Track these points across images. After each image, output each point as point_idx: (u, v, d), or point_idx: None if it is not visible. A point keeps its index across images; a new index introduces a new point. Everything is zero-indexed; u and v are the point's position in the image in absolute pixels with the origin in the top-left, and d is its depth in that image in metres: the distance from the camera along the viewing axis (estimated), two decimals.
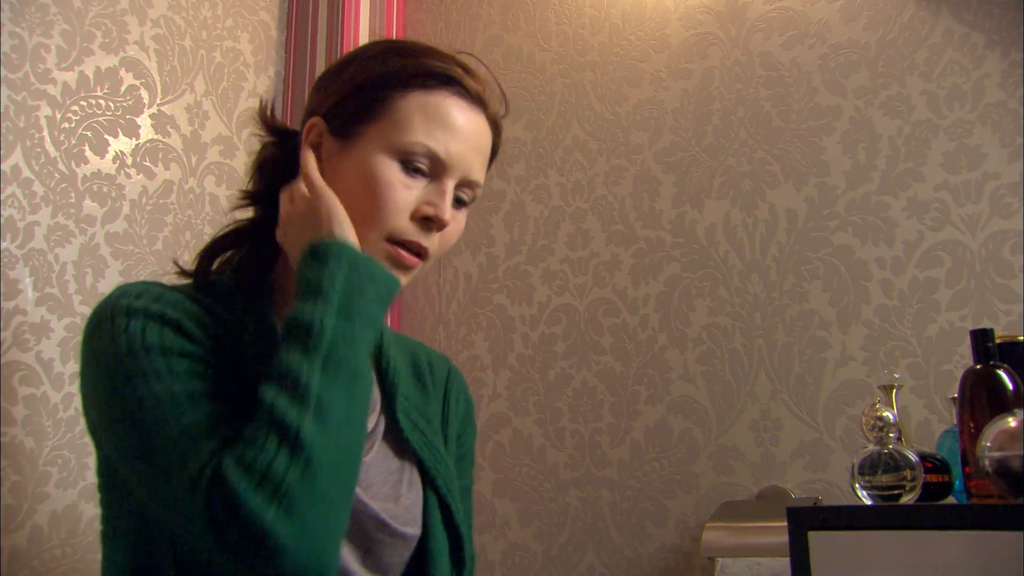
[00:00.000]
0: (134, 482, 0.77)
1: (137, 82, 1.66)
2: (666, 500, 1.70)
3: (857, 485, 1.13)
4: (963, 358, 1.48)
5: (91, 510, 1.45)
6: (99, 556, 1.47)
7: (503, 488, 1.86)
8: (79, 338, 1.46)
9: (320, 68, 1.94)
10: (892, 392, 1.28)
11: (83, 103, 1.56)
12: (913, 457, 1.11)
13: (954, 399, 1.20)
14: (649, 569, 1.69)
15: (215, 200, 1.78)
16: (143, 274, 1.60)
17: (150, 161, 1.66)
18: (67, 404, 1.45)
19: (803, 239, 1.68)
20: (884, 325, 1.58)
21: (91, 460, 1.47)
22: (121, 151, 1.61)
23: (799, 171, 1.70)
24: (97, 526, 1.44)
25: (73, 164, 1.52)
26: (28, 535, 1.36)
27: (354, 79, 0.88)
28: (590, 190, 1.91)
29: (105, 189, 1.57)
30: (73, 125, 1.53)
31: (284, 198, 0.87)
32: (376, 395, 0.94)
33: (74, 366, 1.47)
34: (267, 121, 0.95)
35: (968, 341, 1.19)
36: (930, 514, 1.05)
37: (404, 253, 0.85)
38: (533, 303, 1.93)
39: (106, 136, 1.59)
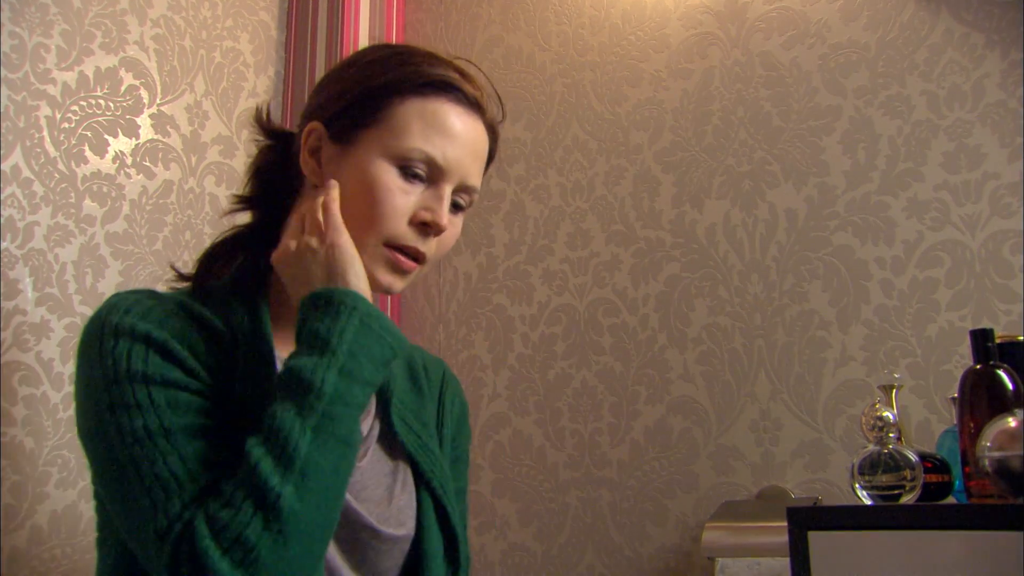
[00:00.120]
0: (110, 510, 0.78)
1: (137, 82, 1.66)
2: (666, 500, 1.70)
3: (857, 485, 1.13)
4: (963, 358, 1.48)
5: (90, 510, 1.45)
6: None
7: (503, 488, 1.86)
8: (79, 338, 1.47)
9: (320, 68, 1.94)
10: (892, 392, 1.28)
11: (83, 103, 1.56)
12: (913, 457, 1.11)
13: (954, 399, 1.20)
14: (649, 569, 1.69)
15: (215, 200, 1.78)
16: (143, 274, 1.61)
17: (150, 161, 1.66)
18: (67, 404, 1.45)
19: (803, 239, 1.68)
20: (884, 325, 1.58)
21: None
22: (121, 151, 1.61)
23: (799, 171, 1.70)
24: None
25: (73, 164, 1.52)
26: (28, 535, 1.36)
27: (353, 85, 0.88)
28: (590, 190, 1.91)
29: (105, 189, 1.57)
30: (73, 125, 1.53)
31: (294, 221, 0.86)
32: (371, 399, 0.94)
33: (74, 366, 1.47)
34: (264, 124, 0.95)
35: (968, 341, 1.19)
36: (930, 514, 1.05)
37: (402, 258, 0.86)
38: (533, 303, 1.93)
39: (106, 136, 1.59)
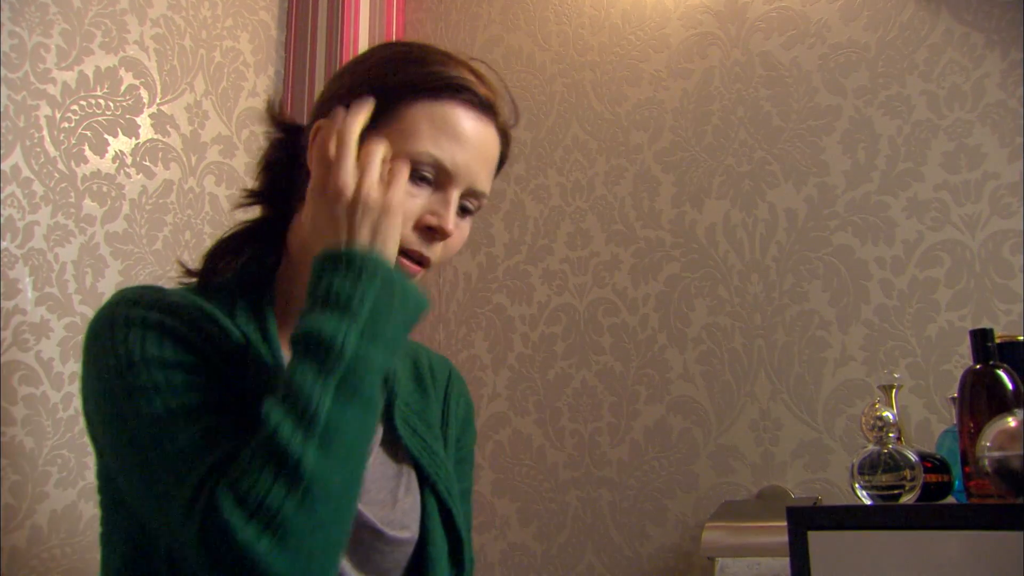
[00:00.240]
0: (131, 498, 0.77)
1: (137, 82, 1.66)
2: (666, 500, 1.70)
3: (857, 485, 1.13)
4: (963, 358, 1.48)
5: (91, 510, 1.45)
6: (99, 556, 1.47)
7: (503, 488, 1.86)
8: (79, 338, 1.47)
9: (320, 68, 1.94)
10: (892, 392, 1.28)
11: (83, 103, 1.56)
12: (913, 457, 1.11)
13: (954, 399, 1.20)
14: (649, 569, 1.69)
15: (215, 200, 1.78)
16: (143, 274, 1.60)
17: (150, 161, 1.66)
18: (67, 404, 1.45)
19: (803, 239, 1.68)
20: (884, 325, 1.58)
21: (91, 460, 1.47)
22: (121, 151, 1.61)
23: (799, 171, 1.70)
24: (96, 526, 1.45)
25: (73, 164, 1.52)
26: (28, 535, 1.36)
27: (364, 83, 0.86)
28: (590, 190, 1.91)
29: (105, 189, 1.57)
30: (73, 125, 1.53)
31: (343, 145, 0.80)
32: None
33: (74, 366, 1.47)
34: (275, 116, 0.93)
35: (968, 341, 1.19)
36: (930, 514, 1.05)
37: (405, 262, 0.84)
38: (533, 303, 1.93)
39: (106, 136, 1.59)
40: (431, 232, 0.84)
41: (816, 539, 1.07)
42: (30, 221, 1.44)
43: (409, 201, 0.82)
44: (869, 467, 1.12)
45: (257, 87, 1.92)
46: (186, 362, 0.77)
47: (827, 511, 1.15)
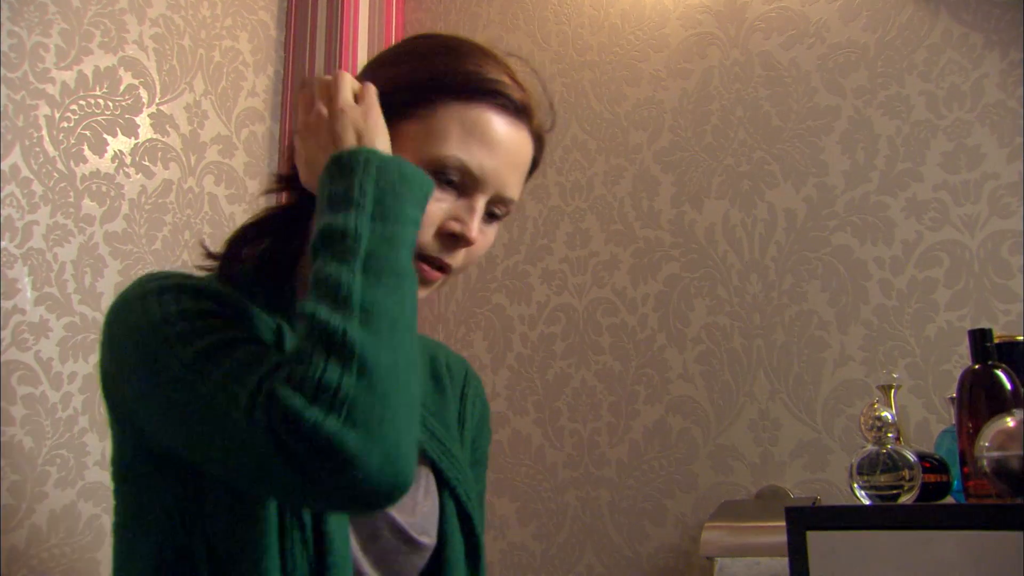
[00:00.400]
0: (185, 443, 0.73)
1: (136, 81, 1.66)
2: (665, 500, 1.71)
3: (855, 485, 1.13)
4: (962, 358, 1.48)
5: (90, 509, 1.45)
6: (98, 555, 1.47)
7: (502, 488, 1.86)
8: (78, 337, 1.47)
9: (319, 67, 1.94)
10: (891, 392, 1.28)
11: (82, 102, 1.56)
12: (911, 457, 1.11)
13: (952, 399, 1.20)
14: (648, 569, 1.69)
15: (214, 199, 1.78)
16: (142, 274, 1.60)
17: (149, 160, 1.66)
18: (66, 403, 1.45)
19: (802, 239, 1.68)
20: (883, 325, 1.58)
21: (89, 460, 1.47)
22: (120, 150, 1.61)
23: (798, 171, 1.70)
24: (95, 525, 1.45)
25: (72, 163, 1.52)
26: (27, 535, 1.36)
27: (395, 77, 0.84)
28: (589, 189, 1.91)
29: (104, 188, 1.57)
30: (72, 124, 1.53)
31: (321, 86, 0.80)
32: None
33: (73, 365, 1.47)
34: None
35: (967, 341, 1.19)
36: (928, 514, 1.05)
37: (426, 267, 0.82)
38: (532, 303, 1.93)
39: (105, 135, 1.59)
40: (453, 239, 0.82)
41: (815, 539, 1.07)
42: (29, 221, 1.44)
43: (433, 205, 0.79)
44: (868, 467, 1.12)
45: (256, 87, 1.92)
46: (226, 313, 0.75)
47: (826, 511, 1.16)
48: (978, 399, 1.13)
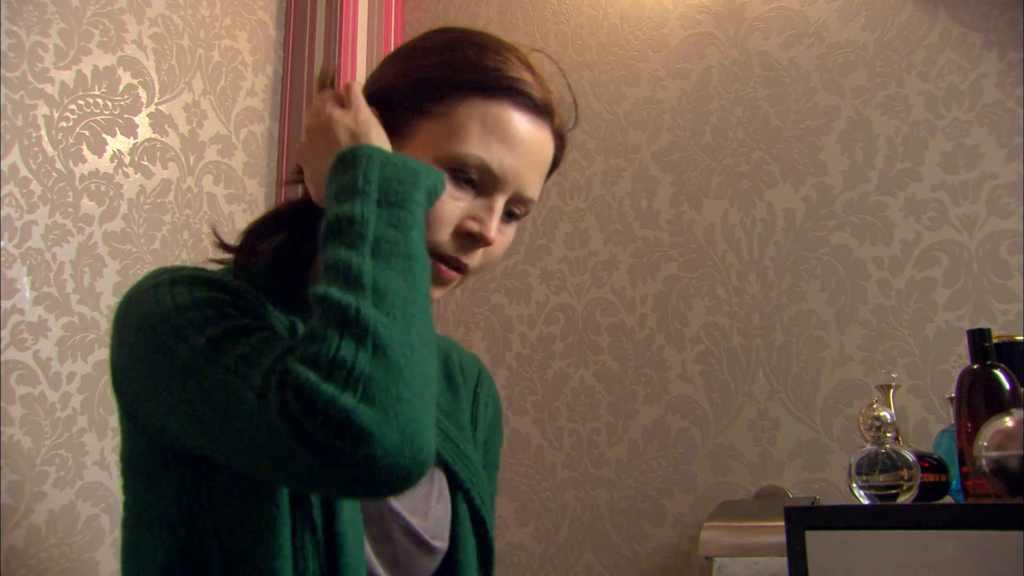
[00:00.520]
0: (197, 431, 0.71)
1: (135, 81, 1.66)
2: (664, 500, 1.71)
3: (854, 485, 1.13)
4: (960, 358, 1.48)
5: (89, 509, 1.45)
6: (96, 555, 1.47)
7: (501, 487, 1.85)
8: (77, 337, 1.47)
9: (318, 67, 1.94)
10: (889, 392, 1.28)
11: (81, 102, 1.55)
12: (910, 457, 1.11)
13: (951, 399, 1.21)
14: (647, 568, 1.69)
15: (213, 199, 1.78)
16: (141, 273, 1.59)
17: (148, 160, 1.66)
18: (65, 403, 1.45)
19: (801, 239, 1.68)
20: (882, 325, 1.58)
21: (88, 459, 1.47)
22: (119, 150, 1.61)
23: (797, 171, 1.71)
24: (95, 524, 1.45)
25: (71, 163, 1.52)
26: (25, 534, 1.36)
27: (414, 72, 0.82)
28: (588, 189, 1.91)
29: (103, 188, 1.57)
30: (71, 124, 1.53)
31: (309, 111, 0.81)
32: None
33: (72, 365, 1.47)
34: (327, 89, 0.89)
35: (965, 341, 1.19)
36: (927, 514, 1.05)
37: (443, 267, 0.80)
38: (531, 302, 1.93)
39: (104, 135, 1.59)
40: (471, 239, 0.80)
41: (814, 539, 1.07)
42: (28, 220, 1.44)
43: (451, 204, 0.78)
44: (867, 467, 1.12)
45: (255, 87, 1.92)
46: (238, 303, 0.74)
47: (825, 511, 1.16)
48: (977, 399, 1.13)
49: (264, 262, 0.85)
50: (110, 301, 1.54)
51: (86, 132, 1.56)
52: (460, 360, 1.03)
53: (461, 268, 0.82)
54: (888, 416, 1.14)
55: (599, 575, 1.73)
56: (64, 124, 1.52)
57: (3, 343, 1.38)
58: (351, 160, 0.73)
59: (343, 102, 0.80)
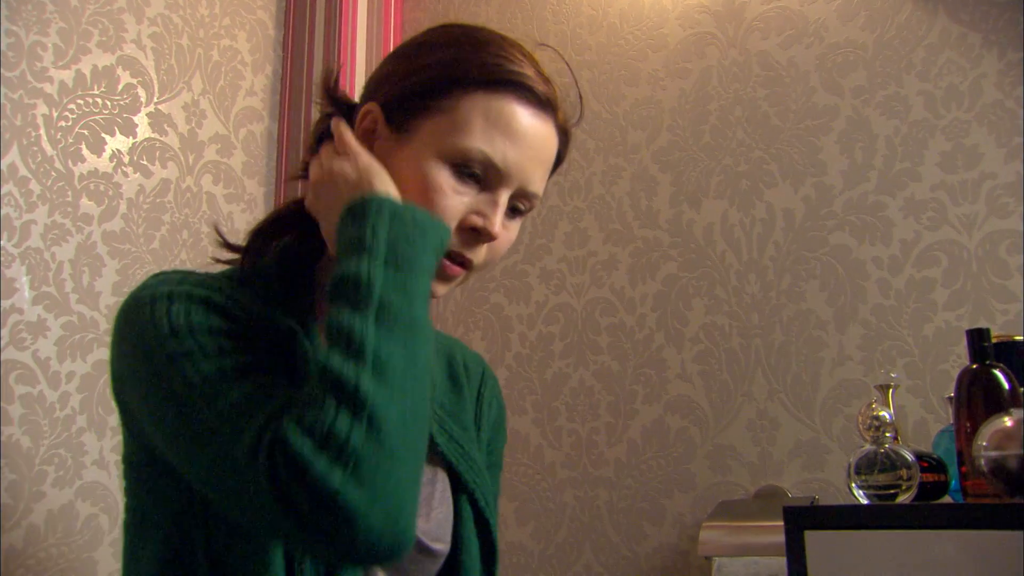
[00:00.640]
0: (185, 466, 0.72)
1: (134, 80, 1.66)
2: (663, 499, 1.71)
3: (853, 484, 1.13)
4: (960, 358, 1.48)
5: (88, 509, 1.45)
6: (95, 555, 1.47)
7: (501, 487, 1.86)
8: (76, 337, 1.47)
9: (318, 67, 1.94)
10: (889, 392, 1.28)
11: (80, 101, 1.55)
12: (909, 456, 1.11)
13: (950, 398, 1.21)
14: (646, 568, 1.69)
15: (212, 199, 1.78)
16: (140, 273, 1.60)
17: (147, 160, 1.66)
18: (64, 403, 1.45)
19: (800, 239, 1.68)
20: (881, 325, 1.58)
21: (87, 459, 1.47)
22: (118, 150, 1.61)
23: (796, 171, 1.71)
24: (94, 524, 1.44)
25: (70, 163, 1.52)
26: (24, 534, 1.36)
27: (418, 69, 0.82)
28: (587, 189, 1.91)
29: (102, 188, 1.57)
30: (70, 123, 1.53)
31: (314, 165, 0.82)
32: None
33: (71, 365, 1.47)
34: (330, 91, 0.89)
35: (964, 341, 1.19)
36: (926, 514, 1.05)
37: (447, 263, 0.80)
38: (530, 302, 1.93)
39: (103, 135, 1.59)
40: (475, 233, 0.80)
41: (813, 538, 1.07)
42: (27, 220, 1.44)
43: (455, 199, 0.78)
44: (866, 467, 1.12)
45: (255, 86, 1.92)
46: (235, 331, 0.74)
47: (824, 511, 1.16)
48: (976, 399, 1.13)
49: (271, 263, 0.85)
50: (109, 301, 1.54)
51: (85, 131, 1.56)
52: (464, 359, 1.03)
53: (465, 263, 0.82)
54: (887, 416, 1.14)
55: (598, 575, 1.73)
56: (63, 123, 1.52)
57: (2, 342, 1.38)
58: (360, 212, 0.73)
59: (339, 151, 0.80)
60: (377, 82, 0.86)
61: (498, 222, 0.80)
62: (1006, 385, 1.12)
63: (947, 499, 1.20)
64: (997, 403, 1.10)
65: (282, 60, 2.00)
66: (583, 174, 1.92)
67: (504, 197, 0.81)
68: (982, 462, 1.04)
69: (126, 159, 1.62)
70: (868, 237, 1.62)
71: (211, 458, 0.68)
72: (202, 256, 1.70)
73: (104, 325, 1.51)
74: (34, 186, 1.46)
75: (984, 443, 1.05)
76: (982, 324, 1.39)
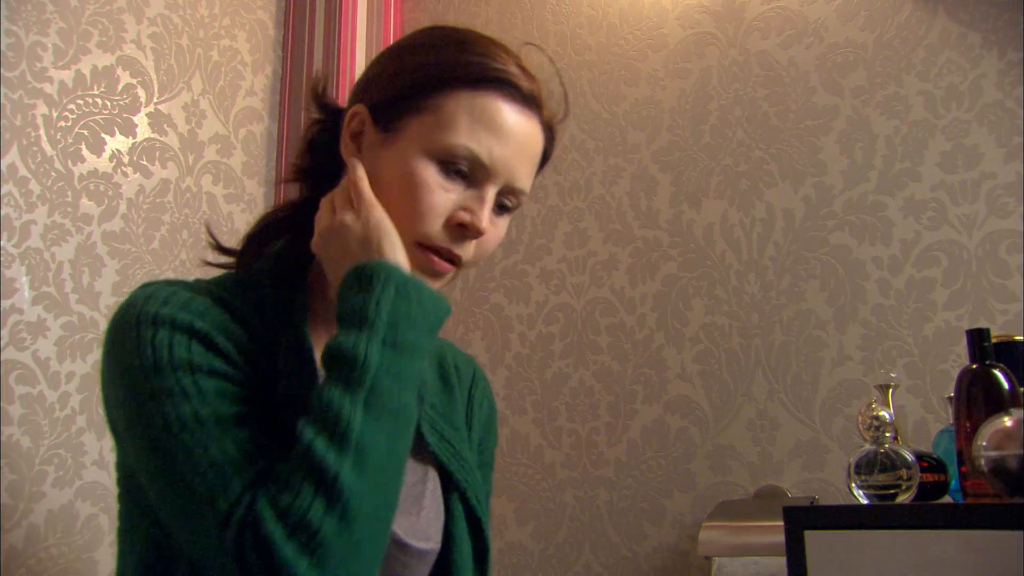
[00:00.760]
0: (157, 503, 0.74)
1: (134, 80, 1.66)
2: (663, 499, 1.71)
3: (853, 484, 1.13)
4: (959, 358, 1.48)
5: (87, 509, 1.45)
6: (95, 555, 1.47)
7: (500, 487, 1.86)
8: (76, 337, 1.47)
9: (317, 67, 1.94)
10: (888, 391, 1.28)
11: (80, 101, 1.55)
12: (909, 456, 1.11)
13: (950, 398, 1.21)
14: (646, 568, 1.69)
15: (212, 199, 1.78)
16: (140, 273, 1.60)
17: (147, 160, 1.66)
18: (64, 403, 1.45)
19: (800, 239, 1.68)
20: (881, 325, 1.58)
21: (87, 459, 1.47)
22: (118, 150, 1.61)
23: (796, 171, 1.71)
24: (93, 525, 1.44)
25: (70, 163, 1.52)
26: (24, 534, 1.36)
27: (403, 70, 0.83)
28: (587, 189, 1.91)
29: (102, 188, 1.57)
30: (70, 124, 1.53)
31: (324, 205, 0.82)
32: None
33: (71, 365, 1.47)
34: (318, 99, 0.90)
35: (964, 340, 1.19)
36: (926, 513, 1.05)
37: (436, 259, 0.81)
38: (530, 302, 1.93)
39: (103, 135, 1.59)
40: (463, 229, 0.81)
41: (813, 538, 1.07)
42: (27, 220, 1.44)
43: (442, 196, 0.79)
44: (866, 467, 1.12)
45: (254, 86, 1.92)
46: (217, 368, 0.74)
47: (824, 511, 1.16)
48: (976, 399, 1.13)
49: (265, 267, 0.86)
50: (109, 301, 1.54)
51: (85, 132, 1.56)
52: (455, 360, 1.04)
53: (454, 260, 0.82)
54: (887, 416, 1.14)
55: (598, 575, 1.73)
56: (63, 124, 1.52)
57: (2, 343, 1.38)
58: (366, 280, 0.74)
59: (353, 202, 0.80)
60: (364, 85, 0.87)
61: (485, 218, 0.81)
62: (1006, 385, 1.12)
63: (947, 499, 1.20)
64: (997, 403, 1.10)
65: (282, 60, 2.00)
66: (583, 174, 1.92)
67: (491, 193, 0.82)
68: (982, 462, 1.04)
69: (126, 159, 1.62)
70: (868, 237, 1.62)
71: (182, 511, 0.70)
72: (202, 256, 1.69)
73: (104, 325, 1.51)
74: (34, 186, 1.46)
75: (984, 443, 1.05)
76: (982, 324, 1.39)
